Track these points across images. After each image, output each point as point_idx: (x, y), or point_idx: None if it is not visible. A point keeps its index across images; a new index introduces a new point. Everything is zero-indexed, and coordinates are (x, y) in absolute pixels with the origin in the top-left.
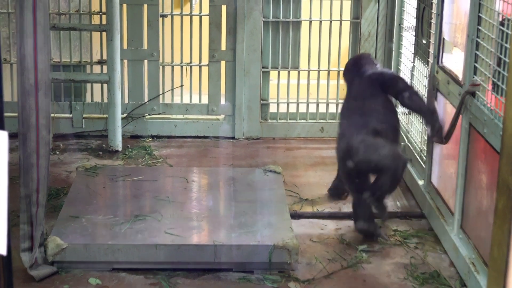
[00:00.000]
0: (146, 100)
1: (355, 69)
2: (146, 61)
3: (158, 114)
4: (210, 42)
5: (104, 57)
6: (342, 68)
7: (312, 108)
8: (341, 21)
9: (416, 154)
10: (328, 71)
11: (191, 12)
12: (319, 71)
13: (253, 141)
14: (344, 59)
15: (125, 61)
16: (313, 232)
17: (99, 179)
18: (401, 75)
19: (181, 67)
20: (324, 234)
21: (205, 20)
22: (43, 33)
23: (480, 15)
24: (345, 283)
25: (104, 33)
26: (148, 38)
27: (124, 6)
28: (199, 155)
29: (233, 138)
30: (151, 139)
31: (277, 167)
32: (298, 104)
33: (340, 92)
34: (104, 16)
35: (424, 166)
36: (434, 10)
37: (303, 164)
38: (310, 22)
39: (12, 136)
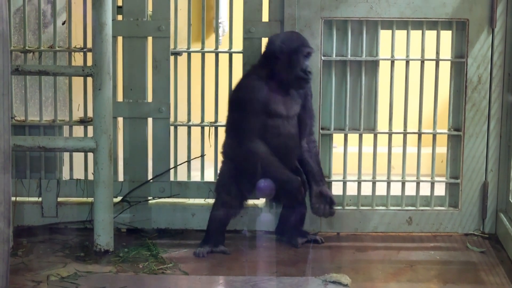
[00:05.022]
0: (150, 177)
1: None
2: (150, 120)
3: (168, 197)
4: None
5: (90, 114)
6: (439, 131)
7: (396, 189)
8: (437, 60)
9: None
10: (419, 134)
11: (216, 47)
12: (405, 133)
13: None
14: (443, 117)
15: (120, 119)
16: None
17: None
18: None
19: (202, 128)
20: None
21: (238, 59)
22: (1, 78)
23: None
24: None
25: (89, 79)
26: (154, 86)
27: (119, 39)
28: (227, 258)
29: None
30: (156, 234)
31: (343, 277)
32: (374, 183)
33: (437, 166)
34: (89, 54)
35: None
36: None
37: (381, 272)
38: (392, 62)
39: None
